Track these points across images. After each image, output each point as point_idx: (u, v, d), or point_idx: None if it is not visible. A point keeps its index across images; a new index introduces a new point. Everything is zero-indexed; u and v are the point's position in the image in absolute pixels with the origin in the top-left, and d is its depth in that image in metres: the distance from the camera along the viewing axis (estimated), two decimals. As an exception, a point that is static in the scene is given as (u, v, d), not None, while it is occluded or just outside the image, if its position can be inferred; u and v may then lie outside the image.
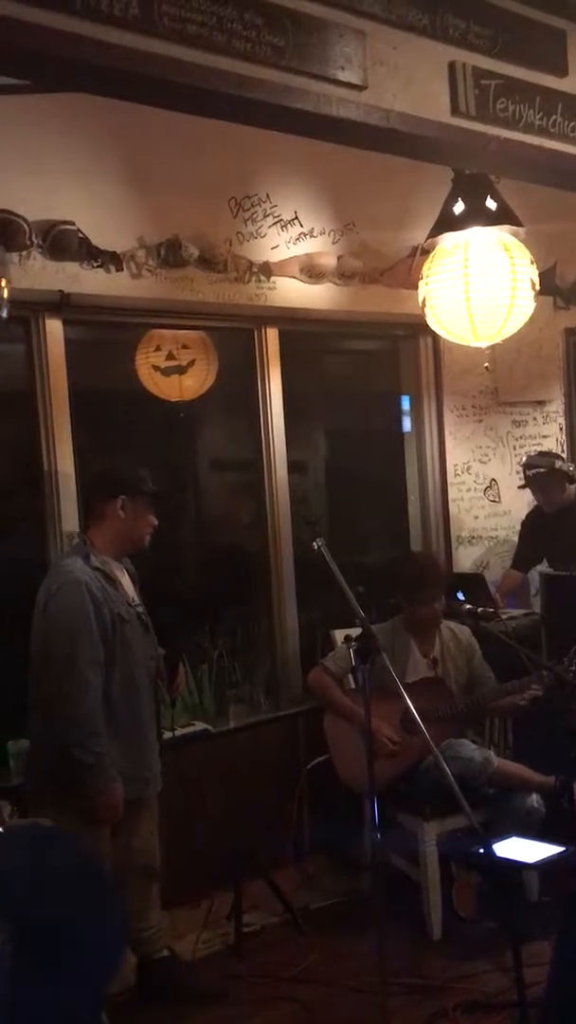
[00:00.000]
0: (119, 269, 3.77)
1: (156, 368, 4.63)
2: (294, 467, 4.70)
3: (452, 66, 3.07)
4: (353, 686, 3.33)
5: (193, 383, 4.68)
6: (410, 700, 2.82)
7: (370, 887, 3.60)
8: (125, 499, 3.11)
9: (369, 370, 5.47)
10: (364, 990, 3.08)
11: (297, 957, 3.51)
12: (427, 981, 3.28)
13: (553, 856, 2.93)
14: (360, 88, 2.86)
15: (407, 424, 5.05)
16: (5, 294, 2.73)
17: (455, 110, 3.09)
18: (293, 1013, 3.17)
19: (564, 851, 2.96)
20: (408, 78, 2.96)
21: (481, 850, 2.84)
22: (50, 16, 2.21)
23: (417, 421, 4.95)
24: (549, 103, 3.35)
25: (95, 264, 3.70)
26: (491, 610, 3.91)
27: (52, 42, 2.23)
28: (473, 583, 4.53)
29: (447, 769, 2.74)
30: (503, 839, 2.92)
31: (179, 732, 3.66)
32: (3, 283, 2.70)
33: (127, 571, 3.22)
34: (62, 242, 3.59)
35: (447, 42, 3.01)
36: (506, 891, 3.28)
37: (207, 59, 2.45)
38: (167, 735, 3.45)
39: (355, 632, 2.77)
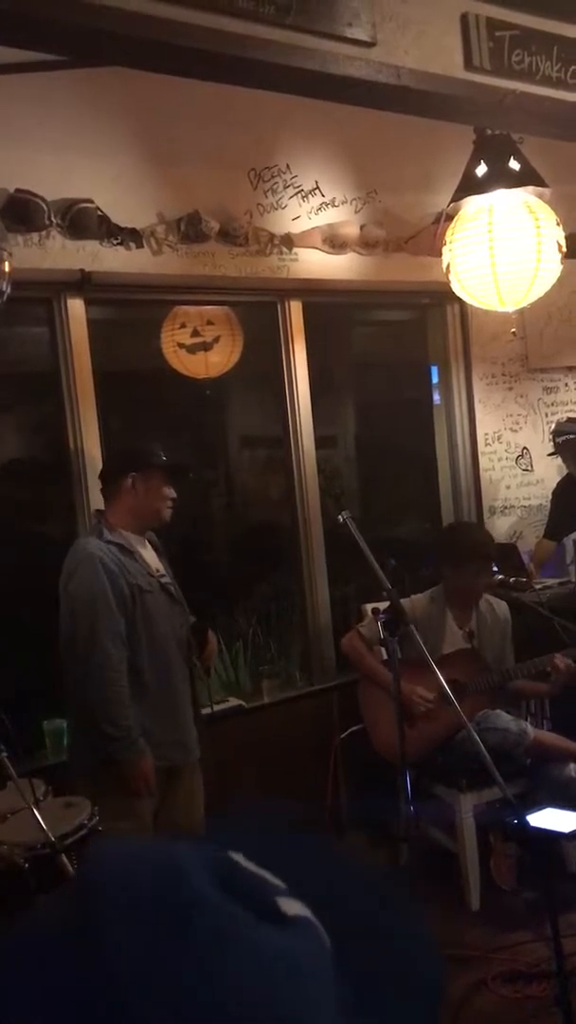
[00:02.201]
0: (139, 246, 3.74)
1: (181, 345, 4.61)
2: (324, 441, 4.67)
3: (464, 18, 2.95)
4: (385, 657, 3.33)
5: (219, 359, 4.65)
6: (447, 671, 2.80)
7: (407, 859, 3.59)
8: (136, 475, 3.10)
9: (397, 340, 5.41)
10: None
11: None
12: (466, 952, 3.28)
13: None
14: (369, 45, 2.75)
15: (436, 396, 4.98)
16: (7, 267, 2.69)
17: (469, 64, 2.97)
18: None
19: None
20: (419, 32, 2.85)
21: (515, 821, 2.82)
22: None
23: (446, 390, 4.88)
24: (568, 54, 3.20)
25: (115, 242, 3.68)
26: (523, 580, 3.86)
27: (46, 6, 2.18)
28: (506, 554, 4.48)
29: (480, 742, 2.71)
30: (538, 809, 2.89)
31: (213, 708, 3.66)
32: (5, 256, 2.67)
33: (151, 543, 3.22)
34: (81, 220, 3.57)
35: (459, -8, 2.90)
36: (544, 861, 3.26)
37: (208, 20, 2.38)
38: (203, 711, 3.45)
39: (384, 605, 2.75)
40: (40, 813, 2.44)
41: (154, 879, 0.49)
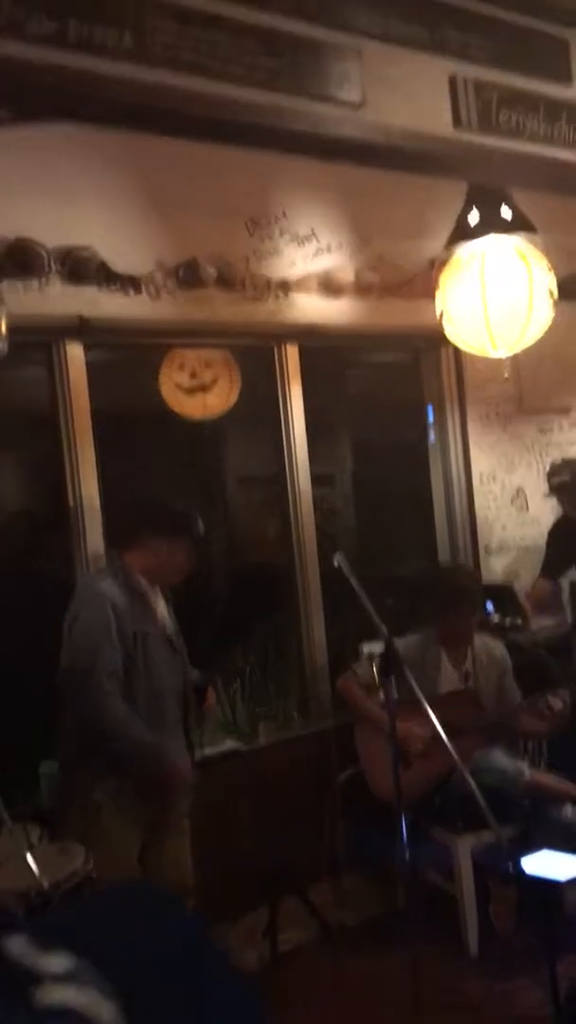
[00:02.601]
0: (138, 292, 3.79)
1: (179, 387, 4.65)
2: (321, 480, 4.70)
3: (453, 79, 3.04)
4: (382, 698, 3.35)
5: (216, 401, 4.70)
6: (442, 712, 2.81)
7: (405, 902, 3.57)
8: (165, 540, 3.12)
9: (392, 381, 5.46)
10: (401, 1006, 3.05)
11: (333, 975, 3.49)
12: (465, 998, 3.25)
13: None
14: (359, 106, 2.83)
15: (432, 435, 5.02)
16: (3, 330, 2.74)
17: (457, 123, 3.06)
18: (330, 1032, 3.15)
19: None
20: (408, 93, 2.93)
21: (510, 867, 2.81)
22: (42, 51, 2.21)
23: (441, 431, 4.92)
24: (553, 112, 3.30)
25: (114, 288, 3.74)
26: (519, 622, 3.88)
27: (46, 76, 2.25)
28: (502, 594, 4.49)
29: (473, 783, 2.71)
30: (535, 853, 2.87)
31: (209, 751, 3.66)
32: (2, 317, 2.71)
33: (161, 592, 3.24)
34: (80, 267, 3.62)
35: (446, 55, 2.97)
36: (543, 905, 3.24)
37: (202, 85, 2.45)
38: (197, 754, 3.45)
39: (379, 648, 2.77)
40: (34, 859, 2.44)
41: None
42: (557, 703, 3.69)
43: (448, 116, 3.03)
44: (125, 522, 3.27)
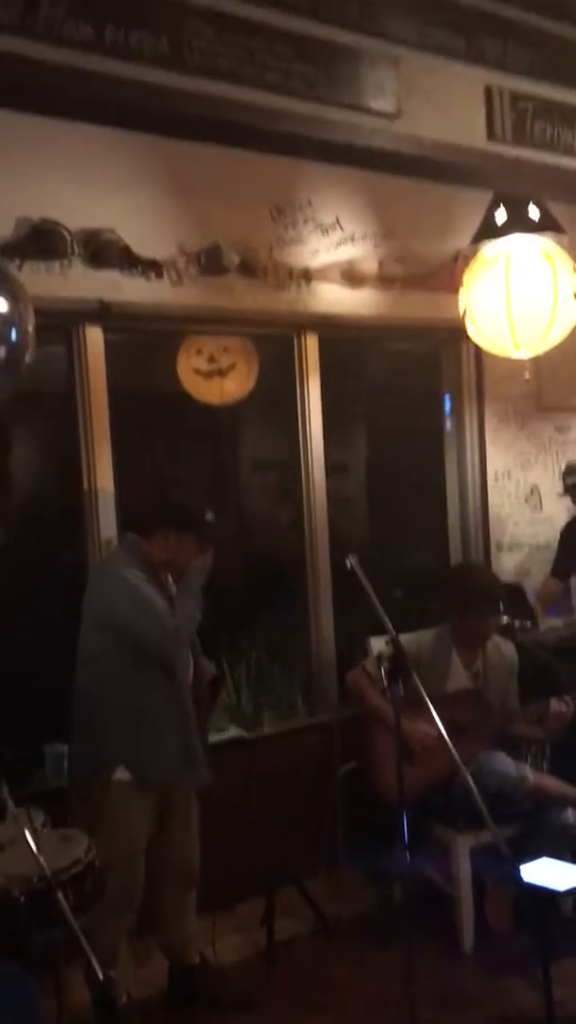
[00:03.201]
0: (159, 276, 3.77)
1: (197, 371, 4.64)
2: (335, 468, 4.68)
3: (488, 90, 3.00)
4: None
5: (233, 386, 4.68)
6: (449, 711, 2.82)
7: (402, 898, 3.59)
8: (174, 534, 3.17)
9: (411, 370, 5.41)
10: (394, 1002, 3.08)
11: (328, 967, 3.52)
12: (458, 995, 3.27)
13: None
14: (393, 116, 2.80)
15: (448, 424, 5.00)
16: (29, 335, 2.77)
17: (491, 135, 3.03)
18: (322, 1024, 3.19)
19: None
20: (442, 104, 2.89)
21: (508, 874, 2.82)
22: (77, 56, 2.18)
23: (458, 426, 4.90)
24: (590, 124, 3.25)
25: (136, 272, 3.71)
26: (528, 624, 3.86)
27: (80, 80, 2.22)
28: (512, 594, 4.47)
29: (474, 787, 2.72)
30: (534, 859, 2.88)
31: (214, 739, 3.67)
32: (28, 319, 2.71)
33: (172, 581, 3.26)
34: (103, 250, 3.60)
35: (483, 65, 2.93)
36: (538, 907, 3.25)
37: (237, 92, 2.43)
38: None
39: (388, 650, 2.77)
40: (37, 845, 2.45)
41: None
42: (560, 707, 3.68)
43: (482, 128, 3.00)
44: (141, 513, 3.29)
